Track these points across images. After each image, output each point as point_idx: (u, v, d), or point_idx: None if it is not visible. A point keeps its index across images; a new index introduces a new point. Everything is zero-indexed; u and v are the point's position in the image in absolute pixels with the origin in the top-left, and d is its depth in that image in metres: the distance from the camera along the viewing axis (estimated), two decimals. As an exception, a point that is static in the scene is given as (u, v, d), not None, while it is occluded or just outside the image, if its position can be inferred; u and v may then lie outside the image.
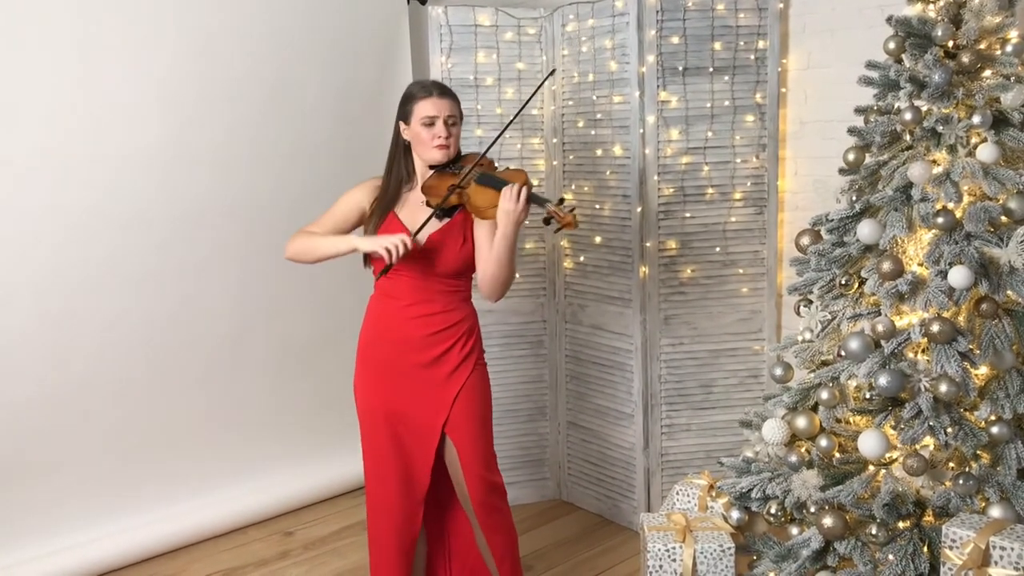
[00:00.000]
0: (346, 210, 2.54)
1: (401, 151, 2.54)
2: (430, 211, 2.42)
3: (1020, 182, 2.25)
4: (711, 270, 3.38)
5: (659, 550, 2.55)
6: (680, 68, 3.28)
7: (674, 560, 2.53)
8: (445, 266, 2.47)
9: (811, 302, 2.62)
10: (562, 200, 2.40)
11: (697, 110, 3.31)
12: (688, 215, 3.34)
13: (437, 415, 2.49)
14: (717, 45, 3.28)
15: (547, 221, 2.37)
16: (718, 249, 3.37)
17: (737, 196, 3.36)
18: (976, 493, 2.27)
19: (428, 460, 2.51)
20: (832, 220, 2.51)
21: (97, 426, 3.28)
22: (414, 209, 2.49)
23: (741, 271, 3.39)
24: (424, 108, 2.43)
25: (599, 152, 3.45)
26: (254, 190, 3.58)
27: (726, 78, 3.30)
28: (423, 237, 2.44)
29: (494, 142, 2.55)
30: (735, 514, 2.64)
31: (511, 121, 2.59)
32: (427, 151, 2.45)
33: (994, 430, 2.26)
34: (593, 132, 3.46)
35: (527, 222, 3.10)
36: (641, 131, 3.29)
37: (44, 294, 3.12)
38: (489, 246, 2.46)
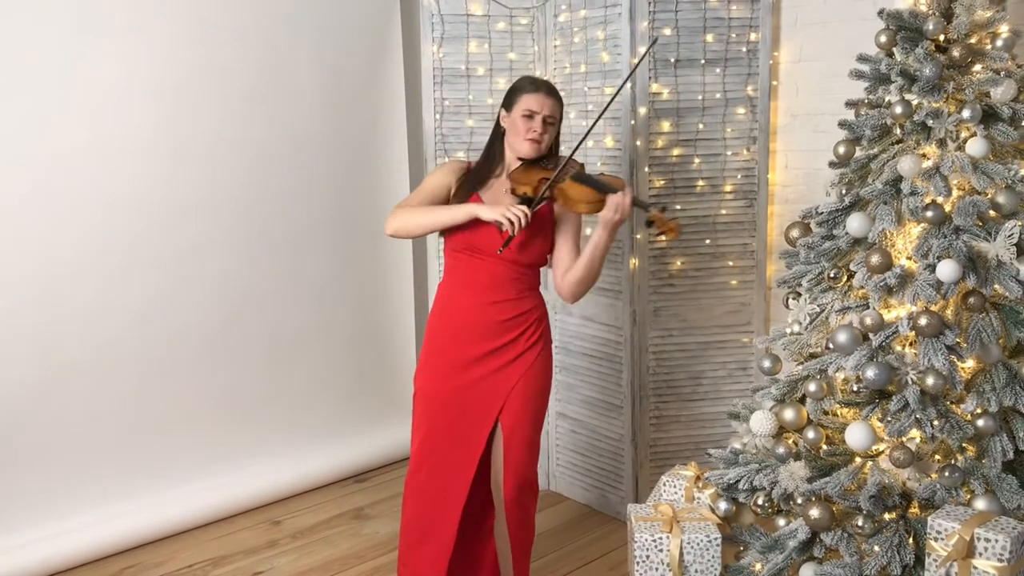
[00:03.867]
0: (436, 188, 2.56)
1: (498, 137, 2.60)
2: (513, 198, 2.49)
3: (1009, 177, 2.25)
4: (701, 262, 3.39)
5: (646, 540, 2.55)
6: (672, 60, 3.27)
7: (661, 550, 2.54)
8: (526, 256, 2.53)
9: (800, 295, 2.62)
10: (664, 208, 2.50)
11: (688, 102, 3.31)
12: (678, 207, 3.35)
13: (495, 400, 2.54)
14: (709, 37, 3.28)
15: (649, 224, 2.48)
16: (708, 241, 3.37)
17: (727, 189, 3.36)
18: (962, 485, 2.29)
19: (480, 445, 2.56)
20: (822, 213, 2.51)
21: (84, 413, 3.27)
22: (497, 195, 2.54)
23: (731, 263, 3.40)
24: (528, 101, 2.50)
25: (590, 143, 3.44)
26: (244, 178, 3.57)
27: (717, 70, 3.30)
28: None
29: (585, 136, 2.58)
30: (722, 505, 2.65)
31: (608, 103, 2.64)
32: (519, 142, 2.51)
33: (980, 423, 2.27)
34: (584, 123, 3.45)
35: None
36: (632, 123, 3.28)
37: (33, 280, 3.10)
38: (569, 248, 2.56)
